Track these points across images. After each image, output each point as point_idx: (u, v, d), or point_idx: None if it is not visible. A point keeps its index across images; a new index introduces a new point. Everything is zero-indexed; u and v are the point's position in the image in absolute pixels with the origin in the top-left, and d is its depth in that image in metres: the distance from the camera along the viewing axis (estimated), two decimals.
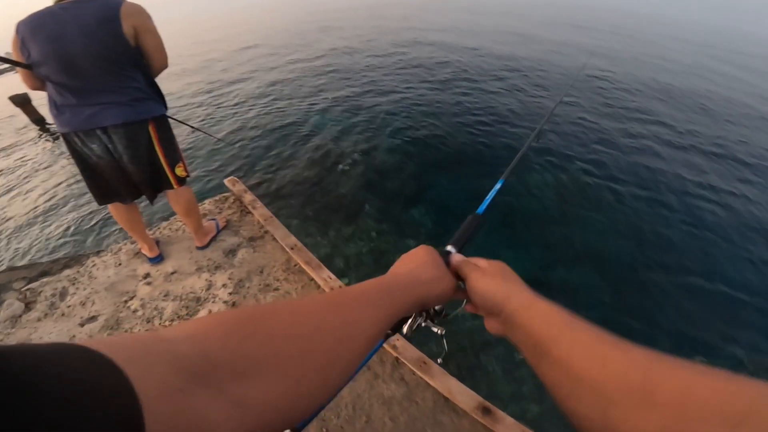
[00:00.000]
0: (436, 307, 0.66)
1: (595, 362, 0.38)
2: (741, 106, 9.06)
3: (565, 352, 0.41)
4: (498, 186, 0.87)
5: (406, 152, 5.49)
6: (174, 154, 2.14)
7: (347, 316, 0.42)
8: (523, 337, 0.48)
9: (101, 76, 1.74)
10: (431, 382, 1.64)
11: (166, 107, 2.09)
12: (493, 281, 0.55)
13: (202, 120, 7.15)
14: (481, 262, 0.62)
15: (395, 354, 1.78)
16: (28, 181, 5.97)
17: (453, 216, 4.28)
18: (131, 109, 1.86)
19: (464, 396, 1.55)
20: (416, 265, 0.59)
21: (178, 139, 2.22)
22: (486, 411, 1.48)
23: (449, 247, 0.72)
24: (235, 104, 7.78)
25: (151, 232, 2.70)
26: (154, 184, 2.17)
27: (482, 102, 7.39)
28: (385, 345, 1.78)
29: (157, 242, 2.58)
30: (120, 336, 0.27)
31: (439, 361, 0.76)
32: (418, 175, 4.97)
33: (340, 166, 5.14)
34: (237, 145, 5.97)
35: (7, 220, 5.10)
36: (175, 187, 2.21)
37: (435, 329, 0.67)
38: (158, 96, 2.03)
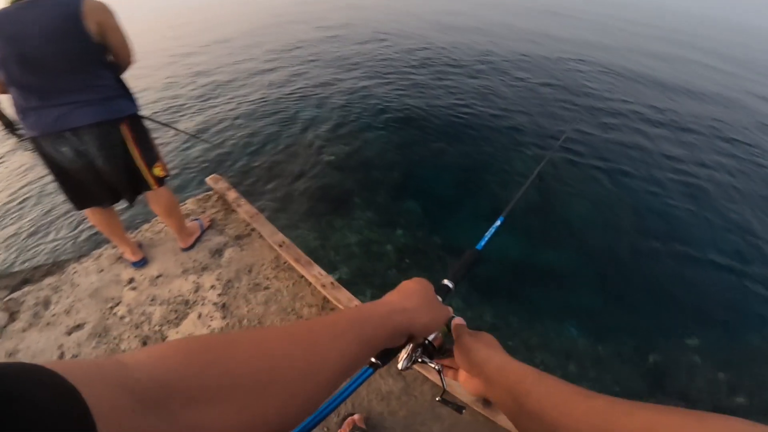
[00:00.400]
0: (435, 342, 0.66)
1: (563, 411, 0.41)
2: (716, 88, 9.23)
3: (537, 404, 0.44)
4: (498, 223, 0.89)
5: (392, 140, 5.43)
6: (151, 154, 2.06)
7: (312, 349, 0.41)
8: (501, 393, 0.52)
9: (67, 75, 1.67)
10: (430, 377, 1.63)
11: (138, 105, 2.00)
12: (478, 344, 0.60)
13: (178, 116, 6.94)
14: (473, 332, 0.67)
15: None
16: (5, 185, 5.74)
17: (442, 203, 4.27)
18: (102, 109, 1.78)
19: (463, 388, 1.53)
20: (403, 294, 0.61)
21: (154, 136, 2.14)
22: (487, 402, 1.48)
23: (446, 281, 0.73)
24: (212, 98, 7.54)
25: (132, 235, 2.62)
26: (132, 185, 2.09)
27: (466, 88, 7.32)
28: None
29: (140, 245, 2.51)
30: (78, 360, 0.28)
31: (437, 399, 0.74)
32: (406, 163, 4.93)
33: (326, 157, 5.05)
34: (216, 140, 5.77)
35: None
36: (154, 187, 2.13)
37: (432, 365, 0.67)
38: (129, 94, 1.95)
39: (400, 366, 0.63)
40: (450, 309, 0.66)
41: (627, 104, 7.32)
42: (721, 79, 10.21)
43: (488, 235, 0.86)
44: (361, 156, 5.09)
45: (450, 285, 0.73)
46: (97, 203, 2.11)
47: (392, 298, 0.60)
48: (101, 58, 1.76)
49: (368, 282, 3.38)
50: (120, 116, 1.86)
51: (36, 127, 1.73)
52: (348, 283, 2.64)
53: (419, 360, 0.65)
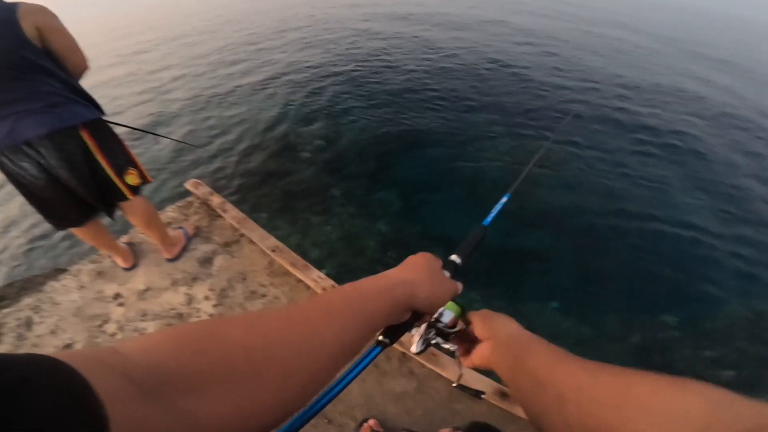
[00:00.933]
0: (448, 323, 0.65)
1: (554, 368, 0.48)
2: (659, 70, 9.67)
3: (536, 361, 0.51)
4: (504, 200, 0.92)
5: (366, 133, 5.39)
6: (120, 161, 1.93)
7: (307, 329, 0.41)
8: (506, 352, 0.57)
9: (6, 84, 1.54)
10: (443, 373, 1.67)
11: (101, 111, 1.87)
12: (499, 314, 0.65)
13: (149, 118, 6.55)
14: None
15: (401, 349, 1.79)
16: None
17: (419, 191, 4.30)
18: (51, 116, 1.65)
19: (479, 383, 1.58)
20: (406, 268, 0.60)
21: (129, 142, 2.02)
22: (503, 395, 1.53)
23: (453, 257, 0.72)
24: (181, 97, 7.17)
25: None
26: (105, 197, 1.96)
27: (437, 78, 7.31)
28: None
29: (131, 244, 2.44)
30: (78, 350, 0.29)
31: (454, 384, 0.74)
32: (381, 155, 4.92)
33: (303, 154, 4.96)
34: (189, 142, 5.52)
35: None
36: (129, 197, 2.01)
37: (447, 346, 0.66)
38: (85, 99, 1.81)
39: (414, 349, 0.63)
40: (459, 285, 0.64)
41: (592, 83, 7.64)
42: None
43: (494, 211, 0.87)
44: (338, 150, 5.04)
45: (458, 261, 0.72)
46: (74, 224, 2.00)
47: (395, 271, 0.59)
48: (44, 63, 1.62)
49: (353, 278, 3.37)
50: (74, 123, 1.72)
51: None
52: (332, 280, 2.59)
53: (433, 342, 0.65)
